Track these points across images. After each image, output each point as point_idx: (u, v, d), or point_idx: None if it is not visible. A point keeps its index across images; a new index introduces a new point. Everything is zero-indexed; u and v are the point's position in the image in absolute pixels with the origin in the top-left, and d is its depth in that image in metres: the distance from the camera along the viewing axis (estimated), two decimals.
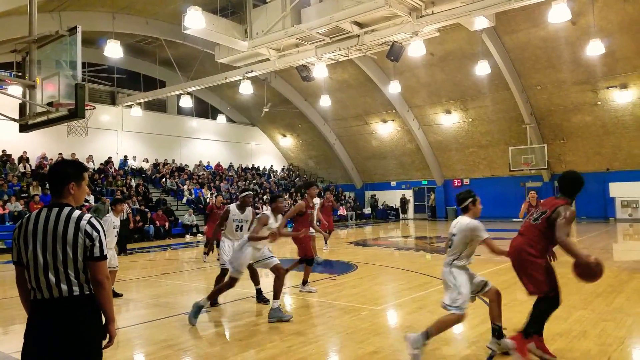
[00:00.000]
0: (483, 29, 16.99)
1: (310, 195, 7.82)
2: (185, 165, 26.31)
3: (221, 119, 28.84)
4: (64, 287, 2.32)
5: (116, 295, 7.19)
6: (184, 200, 22.71)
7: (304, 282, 7.41)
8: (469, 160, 27.05)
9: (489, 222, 22.41)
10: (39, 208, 2.52)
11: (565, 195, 4.12)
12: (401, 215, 30.12)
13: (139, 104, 24.02)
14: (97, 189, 19.52)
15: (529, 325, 4.04)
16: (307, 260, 7.35)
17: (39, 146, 20.19)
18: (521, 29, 19.15)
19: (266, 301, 6.45)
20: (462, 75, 22.34)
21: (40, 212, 2.41)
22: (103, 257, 2.40)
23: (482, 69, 18.61)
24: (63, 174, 2.46)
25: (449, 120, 25.47)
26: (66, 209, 2.40)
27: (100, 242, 2.39)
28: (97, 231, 2.39)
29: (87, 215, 2.42)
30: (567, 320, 5.30)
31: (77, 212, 2.41)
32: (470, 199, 4.22)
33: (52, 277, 2.31)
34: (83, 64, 5.60)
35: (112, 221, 7.02)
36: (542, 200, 4.62)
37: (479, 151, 26.35)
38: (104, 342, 2.44)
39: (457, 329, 5.26)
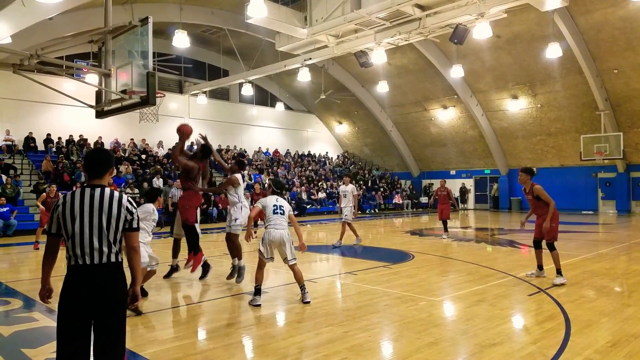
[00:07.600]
0: (555, 9, 15.85)
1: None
2: (245, 151, 27.11)
3: (279, 106, 29.33)
4: (105, 254, 2.65)
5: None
6: (244, 185, 23.44)
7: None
8: (536, 148, 25.60)
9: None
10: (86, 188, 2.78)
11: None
12: (460, 205, 29.19)
13: (204, 92, 25.05)
14: (166, 172, 20.63)
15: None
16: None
17: (113, 132, 21.64)
18: (597, 8, 17.65)
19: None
20: (530, 59, 21.06)
21: (83, 192, 2.71)
22: (138, 228, 2.82)
23: (552, 51, 17.40)
24: (105, 161, 2.83)
25: (516, 106, 24.17)
26: (106, 189, 2.74)
27: (138, 216, 2.82)
28: (135, 208, 2.82)
29: (124, 195, 2.80)
30: None
31: (115, 192, 2.78)
32: None
33: (97, 245, 2.64)
34: (153, 54, 5.87)
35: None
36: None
37: (547, 139, 24.83)
38: (129, 301, 2.81)
39: (519, 323, 5.05)
